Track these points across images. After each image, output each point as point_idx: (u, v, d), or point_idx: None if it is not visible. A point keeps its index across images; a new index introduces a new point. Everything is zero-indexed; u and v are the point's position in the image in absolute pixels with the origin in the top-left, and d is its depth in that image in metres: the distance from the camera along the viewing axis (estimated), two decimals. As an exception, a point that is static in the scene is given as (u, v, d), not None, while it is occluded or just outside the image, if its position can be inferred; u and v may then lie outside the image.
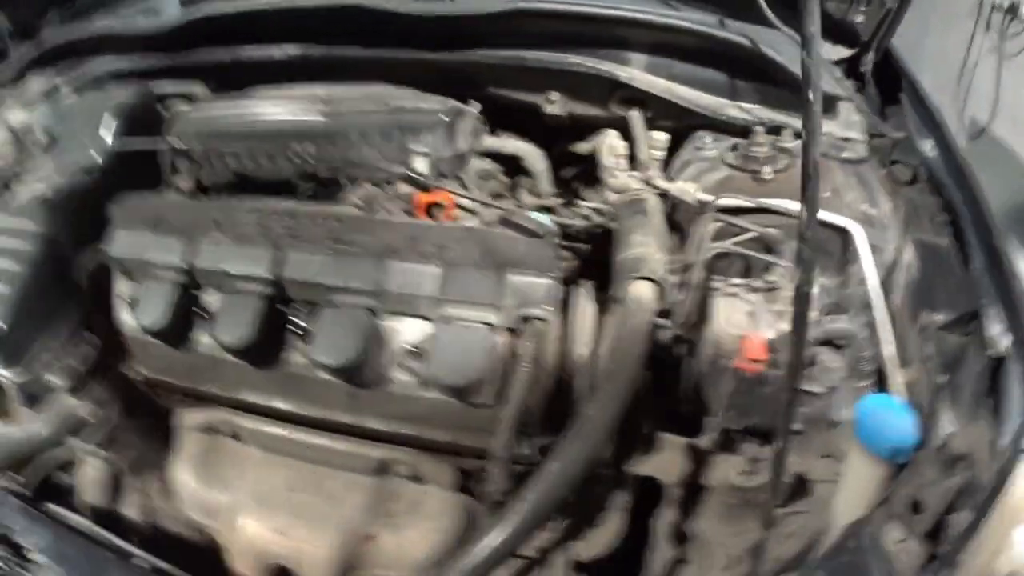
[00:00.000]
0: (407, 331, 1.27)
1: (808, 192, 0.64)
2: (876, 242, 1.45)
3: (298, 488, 1.35)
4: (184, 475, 1.47)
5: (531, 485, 0.99)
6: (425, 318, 1.25)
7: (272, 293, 1.30)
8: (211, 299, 1.39)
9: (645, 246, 1.22)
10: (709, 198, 1.41)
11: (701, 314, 1.34)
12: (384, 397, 1.27)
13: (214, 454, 1.47)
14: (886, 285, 1.44)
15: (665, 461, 1.38)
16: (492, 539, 0.96)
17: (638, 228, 1.27)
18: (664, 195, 1.48)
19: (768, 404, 1.29)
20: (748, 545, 1.34)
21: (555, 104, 1.73)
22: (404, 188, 1.47)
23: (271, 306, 1.31)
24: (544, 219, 1.38)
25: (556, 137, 1.84)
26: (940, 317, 1.40)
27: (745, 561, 1.33)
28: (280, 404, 1.34)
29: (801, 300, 0.66)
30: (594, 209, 1.55)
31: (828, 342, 1.24)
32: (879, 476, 1.24)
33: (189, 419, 1.53)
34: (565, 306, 1.31)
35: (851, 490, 1.28)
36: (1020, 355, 1.25)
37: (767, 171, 1.47)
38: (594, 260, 1.51)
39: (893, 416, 1.28)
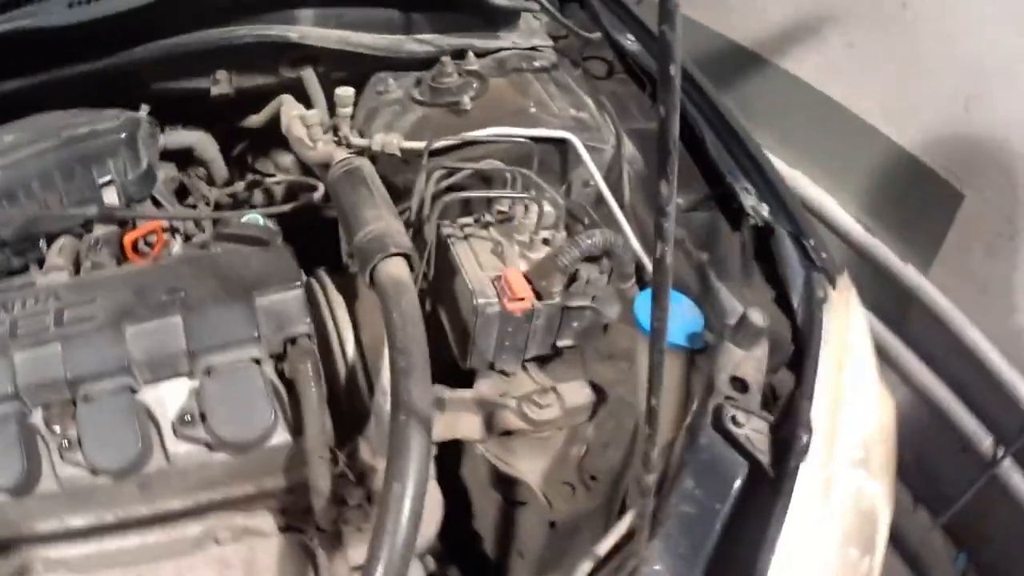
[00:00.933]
0: (173, 396, 1.06)
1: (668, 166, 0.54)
2: (593, 143, 1.41)
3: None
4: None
5: (385, 515, 0.83)
6: (188, 374, 1.06)
7: (21, 410, 1.02)
8: None
9: (379, 220, 1.08)
10: (416, 145, 1.29)
11: (445, 267, 1.23)
12: (176, 474, 1.05)
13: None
14: (613, 183, 1.42)
15: (462, 420, 1.27)
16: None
17: (365, 202, 1.13)
18: (368, 154, 1.34)
19: (541, 333, 1.22)
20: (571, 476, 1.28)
21: (221, 83, 1.54)
22: (102, 229, 1.28)
23: (26, 425, 1.03)
24: (257, 217, 1.21)
25: (222, 117, 1.66)
26: (681, 201, 1.41)
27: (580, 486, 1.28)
28: (76, 522, 1.07)
29: (662, 270, 0.58)
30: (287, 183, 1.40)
31: (589, 258, 1.17)
32: (677, 367, 1.22)
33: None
34: (313, 306, 1.16)
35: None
36: (782, 221, 1.30)
37: (465, 100, 1.38)
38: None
39: (674, 305, 1.26)
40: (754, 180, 1.38)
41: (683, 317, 1.26)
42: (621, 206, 1.41)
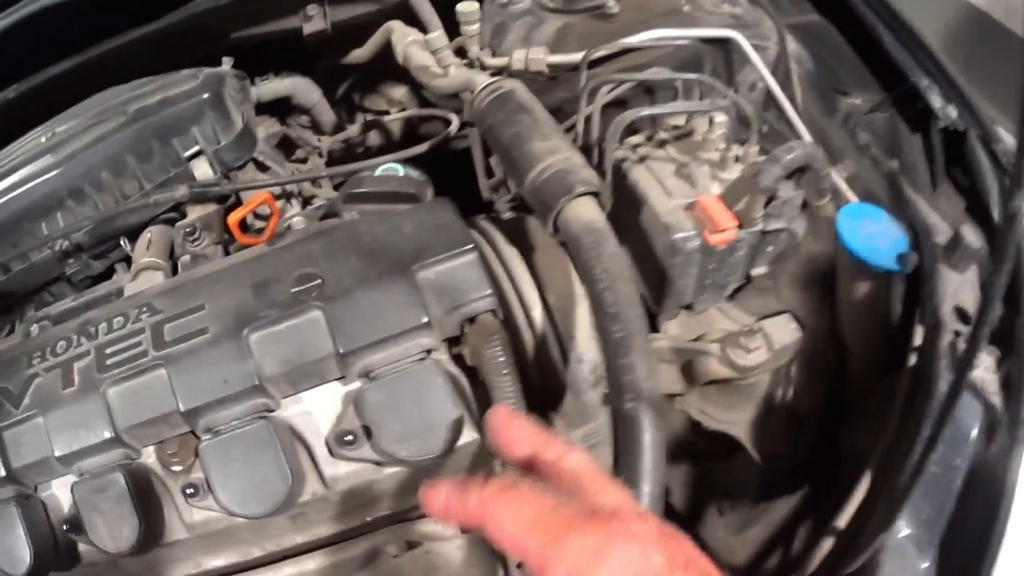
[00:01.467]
0: (324, 407, 0.86)
1: None
2: (755, 41, 1.22)
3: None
4: None
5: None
6: (340, 379, 0.86)
7: (127, 456, 0.84)
8: (58, 496, 0.87)
9: (555, 152, 0.88)
10: (568, 58, 1.11)
11: (625, 199, 1.05)
12: (337, 499, 0.86)
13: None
14: (780, 83, 1.22)
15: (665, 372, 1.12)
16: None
17: (531, 133, 0.92)
18: (508, 74, 1.15)
19: (742, 265, 1.05)
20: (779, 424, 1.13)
21: (314, 19, 1.35)
22: (198, 211, 1.07)
23: (137, 471, 0.84)
24: (396, 167, 1.01)
25: (320, 58, 1.47)
26: (858, 101, 1.22)
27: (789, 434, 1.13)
28: (216, 562, 0.89)
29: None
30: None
31: (788, 176, 0.99)
32: (884, 294, 1.06)
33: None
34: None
35: (852, 313, 1.09)
36: (971, 123, 1.13)
37: (611, 3, 1.19)
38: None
39: (875, 222, 1.08)
40: (937, 80, 1.19)
41: (887, 236, 1.08)
42: (793, 105, 1.22)
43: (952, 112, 1.16)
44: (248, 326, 0.82)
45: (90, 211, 1.07)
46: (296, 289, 0.84)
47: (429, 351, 0.84)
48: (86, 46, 1.17)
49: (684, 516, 1.29)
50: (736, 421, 1.11)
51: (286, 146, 1.41)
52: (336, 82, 1.58)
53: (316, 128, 1.48)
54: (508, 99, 0.98)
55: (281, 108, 1.45)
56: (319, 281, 0.84)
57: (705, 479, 1.24)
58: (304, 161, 1.39)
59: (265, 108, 1.41)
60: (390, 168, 1.01)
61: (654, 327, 1.12)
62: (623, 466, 0.68)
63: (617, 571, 0.48)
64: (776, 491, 1.18)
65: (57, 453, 0.81)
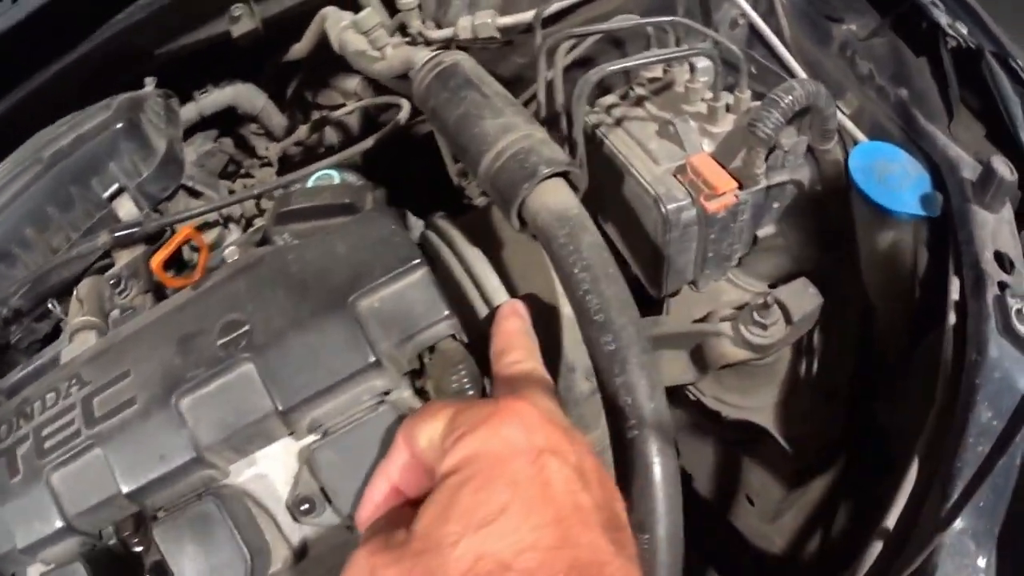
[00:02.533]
0: (277, 467, 0.73)
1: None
2: (731, -29, 1.07)
3: None
4: None
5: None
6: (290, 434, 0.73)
7: (86, 543, 0.75)
8: None
9: (511, 130, 0.73)
10: (520, 18, 0.97)
11: (604, 171, 0.92)
12: (312, 563, 0.75)
13: None
14: (764, 16, 1.09)
15: (666, 362, 0.99)
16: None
17: (481, 110, 0.77)
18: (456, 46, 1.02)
19: (747, 229, 0.92)
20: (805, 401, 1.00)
21: (241, 19, 1.21)
22: (126, 256, 0.94)
23: (99, 557, 0.75)
24: (330, 174, 0.86)
25: (258, 59, 1.33)
26: (854, 27, 1.08)
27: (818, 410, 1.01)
28: None
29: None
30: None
31: (789, 121, 0.84)
32: (910, 241, 0.95)
33: None
34: (442, 275, 0.79)
35: (875, 267, 0.98)
36: (982, 40, 1.02)
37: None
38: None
39: (892, 163, 0.95)
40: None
41: (906, 176, 0.96)
42: (781, 39, 1.08)
43: (962, 28, 1.02)
44: (176, 391, 0.70)
45: (21, 273, 0.97)
46: (222, 340, 0.71)
47: (387, 392, 0.71)
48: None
49: (712, 505, 1.17)
50: (758, 406, 0.99)
51: (232, 163, 1.28)
52: (283, 82, 1.44)
53: (269, 135, 1.34)
54: (451, 74, 0.83)
55: (230, 118, 1.31)
56: (246, 328, 0.71)
57: (731, 466, 1.12)
58: (251, 177, 1.26)
59: (212, 122, 1.28)
60: (325, 176, 0.86)
61: (654, 307, 0.99)
62: (634, 502, 0.56)
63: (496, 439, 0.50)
64: (809, 473, 1.06)
65: (19, 546, 0.73)
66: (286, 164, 1.36)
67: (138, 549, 0.74)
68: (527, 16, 0.97)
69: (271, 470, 0.73)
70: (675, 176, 0.86)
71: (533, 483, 0.47)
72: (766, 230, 0.97)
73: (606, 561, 0.45)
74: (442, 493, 0.48)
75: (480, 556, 0.44)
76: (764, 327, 0.90)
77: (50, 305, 0.97)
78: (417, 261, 0.70)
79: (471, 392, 0.67)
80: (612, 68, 0.82)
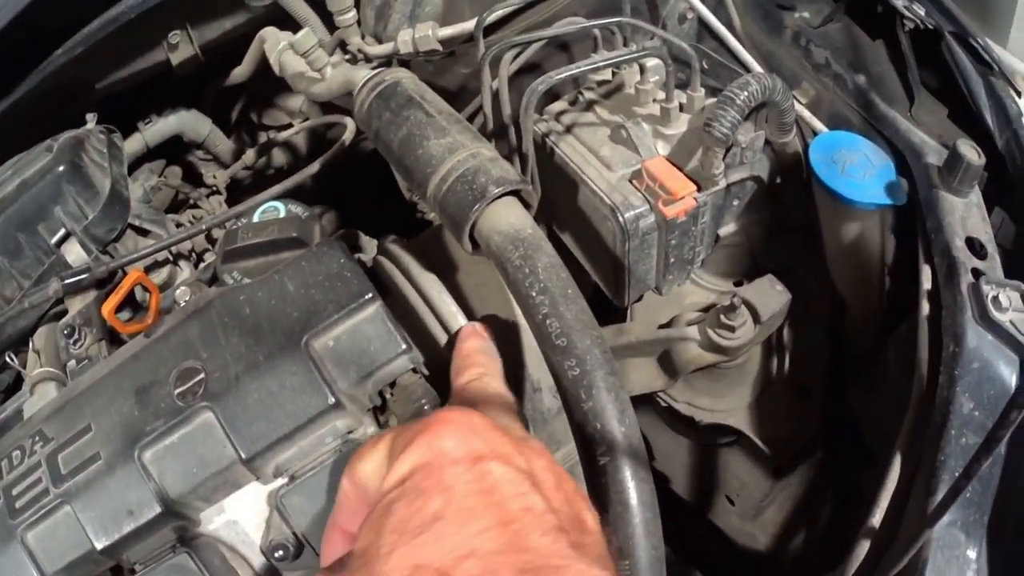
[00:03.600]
0: (249, 513, 0.72)
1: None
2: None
3: None
4: None
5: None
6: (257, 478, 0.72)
7: None
8: None
9: (457, 149, 0.70)
10: (461, 28, 0.94)
11: (556, 181, 0.89)
12: None
13: None
14: (713, 8, 1.06)
15: (635, 369, 0.97)
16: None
17: (426, 129, 0.74)
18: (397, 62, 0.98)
19: (708, 231, 0.89)
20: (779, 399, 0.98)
21: (179, 47, 1.18)
22: (78, 303, 0.92)
23: None
24: (275, 206, 0.83)
25: (200, 86, 1.29)
26: (806, 14, 1.06)
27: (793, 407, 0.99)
28: None
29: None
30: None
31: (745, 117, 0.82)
32: (877, 231, 0.93)
33: None
34: (397, 305, 0.77)
35: (842, 259, 0.96)
36: (940, 20, 0.99)
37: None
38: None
39: (853, 153, 0.93)
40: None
41: (869, 165, 0.94)
42: (732, 31, 1.06)
43: (919, 9, 1.00)
44: (137, 445, 0.69)
45: None
46: (179, 389, 0.70)
47: (350, 432, 0.69)
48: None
49: (692, 507, 1.15)
50: (731, 408, 0.97)
51: (179, 192, 1.24)
52: (228, 105, 1.41)
53: (216, 160, 1.31)
54: (392, 94, 0.80)
55: (175, 148, 1.27)
56: (202, 375, 0.69)
57: (709, 467, 1.10)
58: (198, 208, 1.22)
59: (158, 151, 1.25)
60: (270, 209, 0.83)
61: (618, 313, 0.97)
62: (612, 528, 0.54)
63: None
64: (788, 469, 1.04)
65: None
66: (235, 190, 1.33)
67: None
68: (468, 26, 0.93)
69: (242, 516, 0.72)
70: (631, 182, 0.84)
71: (471, 489, 0.45)
72: (727, 228, 0.95)
73: (561, 566, 0.43)
74: (377, 512, 0.47)
75: (417, 566, 0.42)
76: (732, 329, 0.88)
77: (7, 359, 0.95)
78: (369, 296, 0.68)
79: None
80: (559, 76, 0.79)
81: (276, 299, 0.71)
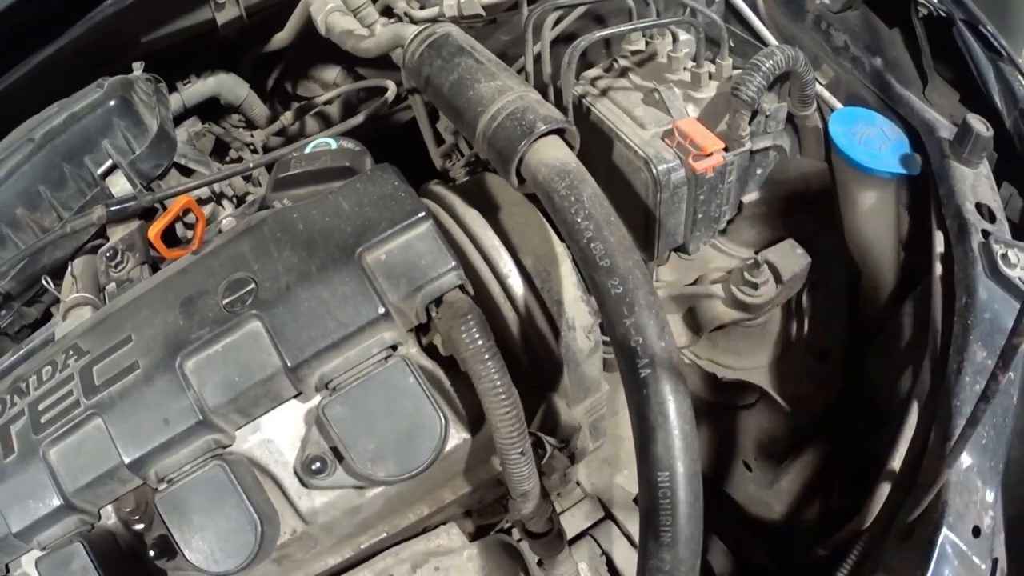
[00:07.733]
0: (285, 432, 0.73)
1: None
2: (705, -50, 1.10)
3: None
4: None
5: (656, 521, 0.58)
6: (297, 395, 0.73)
7: (85, 522, 0.73)
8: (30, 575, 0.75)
9: (506, 92, 0.74)
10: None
11: (593, 139, 0.94)
12: (321, 532, 0.75)
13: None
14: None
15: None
16: None
17: (476, 75, 0.78)
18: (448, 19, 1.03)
19: (734, 192, 0.94)
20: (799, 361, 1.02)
21: (226, 7, 1.22)
22: (120, 231, 0.93)
23: (99, 537, 0.73)
24: (327, 141, 0.87)
25: (241, 49, 1.34)
26: (827, 1, 1.12)
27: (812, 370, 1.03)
28: None
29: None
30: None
31: (770, 87, 0.87)
32: (892, 199, 0.98)
33: None
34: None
35: (859, 227, 1.00)
36: (955, 9, 1.03)
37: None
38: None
39: (870, 127, 0.98)
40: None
41: (885, 138, 0.99)
42: (756, 14, 1.11)
43: None
44: (180, 353, 0.69)
45: (11, 253, 0.95)
46: (228, 299, 0.71)
47: (394, 347, 0.71)
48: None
49: (709, 475, 1.19)
50: (753, 367, 1.01)
51: (220, 148, 1.28)
52: (264, 73, 1.45)
53: (250, 125, 1.35)
54: (444, 44, 0.85)
55: (211, 110, 1.32)
56: (252, 286, 0.71)
57: (727, 433, 1.13)
58: (239, 160, 1.26)
59: (194, 112, 1.29)
60: (321, 143, 0.86)
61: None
62: (649, 443, 0.57)
63: None
64: (806, 435, 1.08)
65: (13, 530, 0.71)
66: (268, 152, 1.37)
67: (139, 527, 0.72)
68: (498, -7, 0.99)
69: (277, 435, 0.72)
70: (663, 140, 0.88)
71: None
72: (751, 196, 0.99)
73: None
74: None
75: None
76: (755, 286, 0.92)
77: (44, 282, 0.96)
78: (422, 214, 0.71)
79: (480, 343, 0.67)
80: (599, 35, 0.84)
81: (330, 216, 0.73)
